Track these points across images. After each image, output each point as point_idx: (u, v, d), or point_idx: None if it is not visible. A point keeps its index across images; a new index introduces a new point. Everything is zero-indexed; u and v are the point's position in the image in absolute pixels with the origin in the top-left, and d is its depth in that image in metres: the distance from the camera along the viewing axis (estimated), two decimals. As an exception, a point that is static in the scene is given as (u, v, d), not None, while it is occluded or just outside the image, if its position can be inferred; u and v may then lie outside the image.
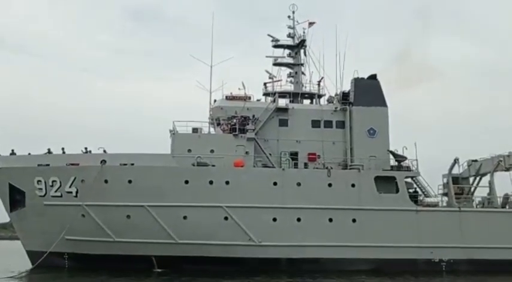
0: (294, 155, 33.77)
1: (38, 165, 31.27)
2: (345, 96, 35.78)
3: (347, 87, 36.30)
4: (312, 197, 31.43)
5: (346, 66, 36.16)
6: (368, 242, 31.40)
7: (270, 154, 33.45)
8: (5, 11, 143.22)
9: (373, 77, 36.11)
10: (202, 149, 32.01)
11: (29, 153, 32.26)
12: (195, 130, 33.45)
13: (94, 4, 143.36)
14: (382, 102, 35.24)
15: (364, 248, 31.35)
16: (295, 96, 36.48)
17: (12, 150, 32.49)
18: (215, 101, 35.19)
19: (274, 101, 35.26)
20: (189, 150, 32.11)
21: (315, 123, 34.86)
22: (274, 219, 31.18)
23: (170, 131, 33.22)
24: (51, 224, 30.63)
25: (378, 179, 32.58)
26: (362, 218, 31.78)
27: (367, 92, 35.39)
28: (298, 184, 31.63)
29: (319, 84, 37.53)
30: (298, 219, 31.34)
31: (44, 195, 31.14)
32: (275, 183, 31.46)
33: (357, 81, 35.83)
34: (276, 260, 30.70)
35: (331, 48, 36.66)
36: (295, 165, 33.27)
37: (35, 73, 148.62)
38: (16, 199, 31.90)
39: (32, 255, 31.98)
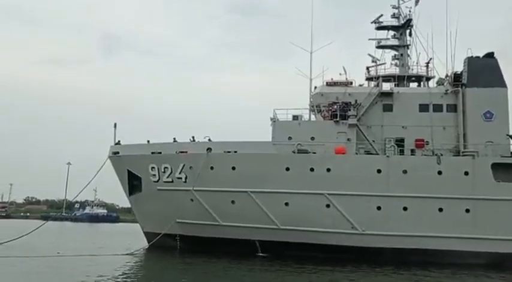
0: (399, 142, 32.33)
1: (152, 153, 33.77)
2: (457, 77, 33.31)
3: (459, 67, 33.74)
4: (419, 185, 29.87)
5: (458, 45, 33.53)
6: (484, 234, 29.10)
7: (374, 141, 32.39)
8: (123, 12, 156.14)
9: (490, 56, 33.06)
10: (302, 136, 32.00)
11: (148, 141, 34.82)
12: (295, 117, 33.51)
13: (201, 2, 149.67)
14: (500, 83, 32.16)
15: (480, 241, 29.11)
16: (400, 79, 34.75)
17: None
18: (315, 87, 34.88)
19: (377, 85, 33.98)
20: (290, 138, 32.29)
21: (423, 108, 32.98)
22: (379, 208, 30.18)
23: (271, 118, 33.62)
24: (164, 207, 32.93)
25: (495, 166, 29.92)
26: (477, 208, 29.47)
27: (483, 72, 32.59)
28: (405, 172, 30.19)
29: (427, 66, 35.41)
30: (405, 208, 29.96)
31: (157, 181, 33.56)
32: (379, 171, 30.39)
33: (471, 61, 33.08)
34: (380, 250, 29.71)
35: (440, 27, 34.18)
36: (401, 152, 31.82)
37: (148, 70, 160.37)
38: (134, 184, 34.88)
39: (148, 236, 34.74)
